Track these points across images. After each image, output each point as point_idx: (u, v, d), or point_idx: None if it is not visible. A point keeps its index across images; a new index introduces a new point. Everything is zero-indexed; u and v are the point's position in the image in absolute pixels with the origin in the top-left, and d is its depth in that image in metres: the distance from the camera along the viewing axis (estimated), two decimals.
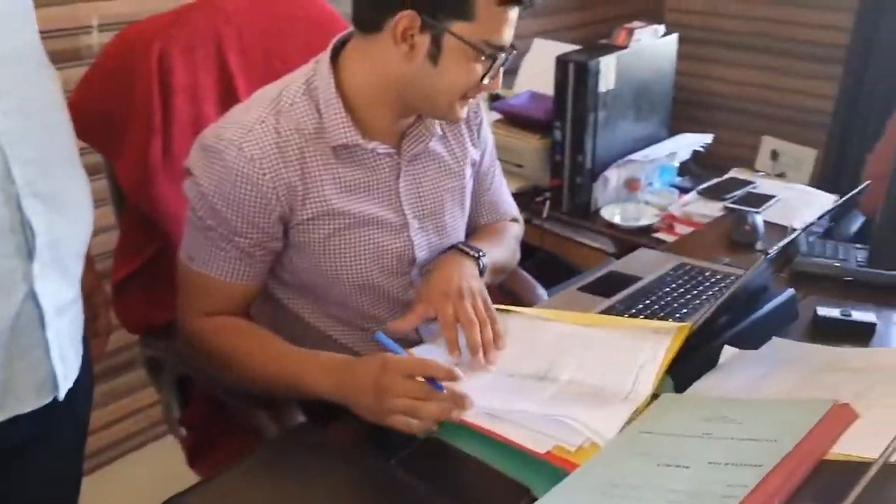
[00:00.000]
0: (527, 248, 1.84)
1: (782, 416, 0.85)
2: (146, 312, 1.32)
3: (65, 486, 1.05)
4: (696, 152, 1.93)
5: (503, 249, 1.31)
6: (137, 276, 1.32)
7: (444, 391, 0.94)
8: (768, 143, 2.65)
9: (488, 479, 0.89)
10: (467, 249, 1.21)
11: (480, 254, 1.21)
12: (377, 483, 0.89)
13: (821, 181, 2.46)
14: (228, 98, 1.36)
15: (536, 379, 1.00)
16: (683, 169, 1.99)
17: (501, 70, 1.09)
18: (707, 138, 1.81)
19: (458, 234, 1.28)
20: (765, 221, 1.52)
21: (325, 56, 1.12)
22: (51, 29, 1.63)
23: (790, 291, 1.21)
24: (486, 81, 1.08)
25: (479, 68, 1.06)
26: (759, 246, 1.46)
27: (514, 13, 1.05)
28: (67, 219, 0.84)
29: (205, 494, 0.88)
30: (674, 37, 1.84)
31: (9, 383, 0.83)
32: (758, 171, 2.21)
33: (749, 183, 1.77)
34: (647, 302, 1.21)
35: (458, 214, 1.26)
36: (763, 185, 1.76)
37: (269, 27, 1.41)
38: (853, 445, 0.79)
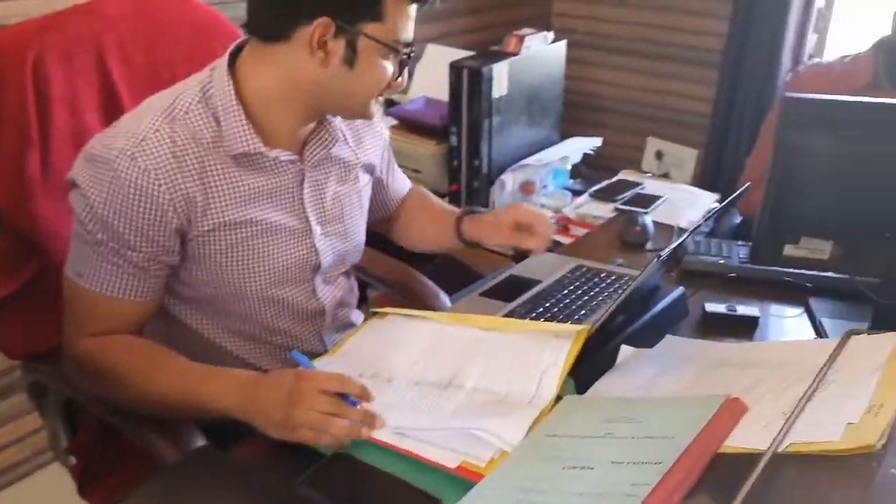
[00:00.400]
0: (426, 254, 1.84)
1: (678, 413, 0.89)
2: (27, 336, 1.24)
3: None
4: (586, 155, 1.99)
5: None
6: (17, 298, 1.23)
7: (358, 407, 0.93)
8: (653, 143, 2.77)
9: (399, 494, 0.89)
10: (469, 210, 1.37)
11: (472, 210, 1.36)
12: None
13: (702, 180, 2.60)
14: (112, 108, 1.30)
15: (441, 387, 1.00)
16: (575, 171, 2.05)
17: (406, 69, 1.11)
18: (597, 141, 1.87)
19: (360, 238, 1.28)
20: (653, 221, 1.58)
21: (221, 63, 1.09)
22: None
23: (680, 289, 1.27)
24: (394, 82, 1.09)
25: (391, 67, 1.07)
26: (649, 246, 1.52)
27: (414, 9, 1.07)
28: None
29: None
30: (562, 43, 1.89)
31: None
32: (644, 172, 2.30)
33: (638, 184, 1.85)
34: (547, 305, 1.23)
35: (359, 218, 1.26)
36: (650, 185, 1.84)
37: (153, 34, 1.36)
38: (744, 438, 0.84)
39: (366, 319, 1.20)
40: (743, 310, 1.28)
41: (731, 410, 0.88)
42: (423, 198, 1.47)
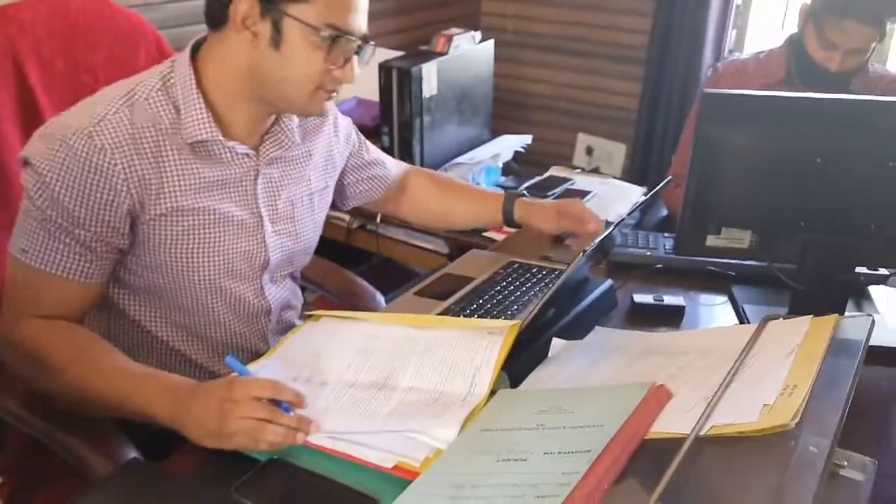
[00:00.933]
0: (361, 254, 1.85)
1: (607, 401, 0.92)
2: None
3: None
4: (517, 152, 2.02)
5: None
6: None
7: (292, 413, 0.93)
8: (583, 139, 2.82)
9: (336, 495, 0.88)
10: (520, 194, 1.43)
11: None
12: None
13: (630, 174, 2.66)
14: (30, 114, 1.28)
15: (376, 388, 1.01)
16: (507, 169, 2.08)
17: (355, 60, 1.07)
18: (527, 139, 1.90)
19: (310, 242, 1.28)
20: None
21: (183, 55, 1.09)
22: None
23: (609, 282, 1.30)
24: (336, 73, 1.06)
25: (324, 55, 1.04)
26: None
27: None
28: None
29: None
30: (490, 42, 1.91)
31: None
32: (575, 167, 2.35)
33: (567, 180, 1.88)
34: (481, 301, 1.25)
35: (310, 222, 1.26)
36: (580, 181, 1.88)
37: (72, 39, 1.34)
38: (669, 423, 0.87)
39: (299, 326, 1.18)
40: (669, 299, 1.32)
41: (657, 397, 0.91)
42: (434, 176, 1.51)
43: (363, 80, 1.87)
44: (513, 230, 1.51)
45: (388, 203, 1.48)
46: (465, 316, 1.22)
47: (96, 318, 1.17)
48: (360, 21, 1.06)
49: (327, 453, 0.92)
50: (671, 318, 1.30)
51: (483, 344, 1.02)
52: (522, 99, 2.87)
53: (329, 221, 1.76)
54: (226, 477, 0.90)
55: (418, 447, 0.90)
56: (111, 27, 1.39)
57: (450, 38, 1.73)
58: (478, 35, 1.85)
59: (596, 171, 2.66)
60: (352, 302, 1.43)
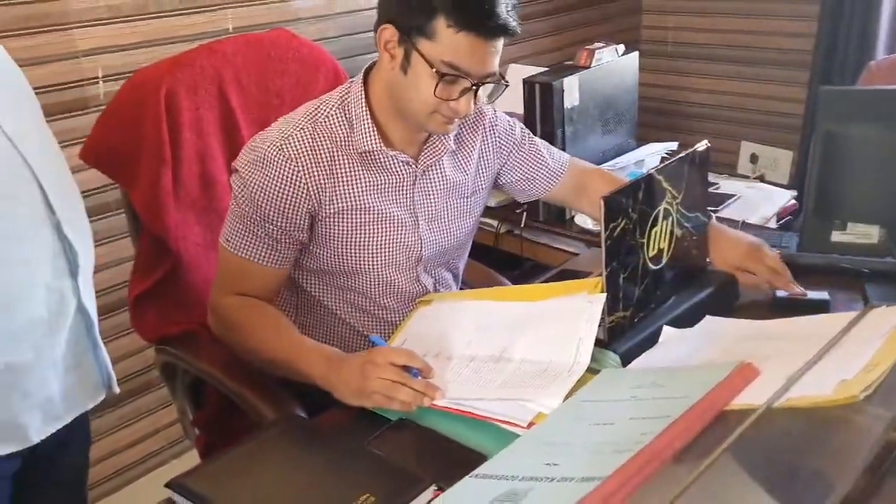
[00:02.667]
0: (515, 260, 1.98)
1: (696, 377, 0.99)
2: (159, 324, 1.48)
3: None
4: (664, 158, 2.06)
5: None
6: (151, 292, 1.48)
7: (419, 378, 1.09)
8: (747, 147, 2.78)
9: (451, 450, 1.03)
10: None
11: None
12: (353, 458, 1.01)
13: (798, 180, 2.59)
14: (231, 131, 1.53)
15: (494, 361, 1.14)
16: None
17: (472, 95, 1.19)
18: (672, 145, 1.95)
19: (462, 239, 1.44)
20: (718, 218, 1.65)
21: (358, 77, 1.30)
22: (59, 82, 1.82)
23: (729, 275, 1.35)
24: (451, 103, 1.19)
25: (440, 86, 1.17)
26: None
27: (482, 42, 1.14)
28: (84, 239, 1.00)
29: (201, 475, 0.99)
30: (635, 54, 1.99)
31: (72, 391, 0.98)
32: (740, 175, 2.34)
33: (713, 184, 1.91)
34: None
35: (462, 221, 1.41)
36: (725, 185, 1.90)
37: (265, 68, 1.57)
38: (752, 396, 0.93)
39: (415, 309, 1.34)
40: (813, 294, 1.30)
41: (743, 373, 0.97)
42: (615, 180, 1.48)
43: (510, 96, 2.03)
44: None
45: (574, 202, 1.55)
46: None
47: (287, 294, 1.41)
48: (481, 63, 1.16)
49: (448, 414, 1.06)
50: (814, 312, 1.23)
51: (585, 316, 1.12)
52: (682, 108, 2.88)
53: (479, 227, 1.92)
54: (362, 432, 1.07)
55: (526, 412, 1.02)
56: (297, 57, 1.62)
57: (592, 52, 1.84)
58: (621, 48, 1.93)
59: (761, 178, 2.62)
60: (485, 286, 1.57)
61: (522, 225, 1.91)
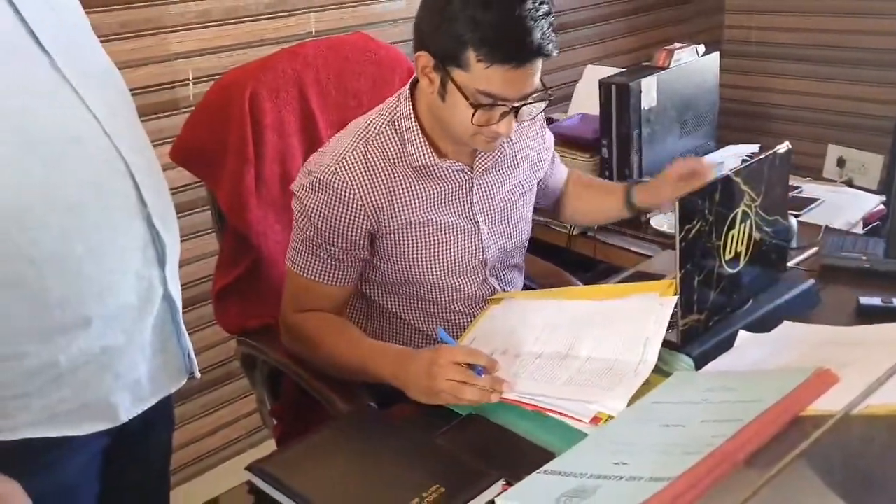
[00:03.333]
0: (588, 262, 1.98)
1: (771, 382, 0.97)
2: (241, 317, 1.54)
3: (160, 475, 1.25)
4: (744, 160, 2.01)
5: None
6: (234, 286, 1.54)
7: (483, 375, 1.10)
8: (834, 150, 2.69)
9: (519, 446, 1.05)
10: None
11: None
12: (423, 450, 1.04)
13: (888, 185, 2.48)
14: (310, 132, 1.57)
15: (560, 358, 1.15)
16: None
17: (512, 117, 1.19)
18: (753, 148, 1.90)
19: (524, 236, 1.46)
20: (800, 222, 1.61)
21: (405, 91, 1.32)
22: (153, 84, 1.91)
23: (811, 281, 1.32)
24: (493, 127, 1.19)
25: (478, 114, 1.17)
26: (792, 244, 1.55)
27: (516, 71, 1.13)
28: (172, 231, 1.06)
29: (279, 460, 1.05)
30: (715, 55, 1.95)
31: (157, 372, 1.04)
32: (825, 179, 2.27)
33: (796, 188, 1.86)
34: None
35: (522, 218, 1.44)
36: (807, 189, 1.85)
37: (343, 70, 1.62)
38: (829, 403, 0.91)
39: (485, 310, 1.36)
40: None
41: (821, 379, 0.94)
42: (580, 176, 1.62)
43: (587, 98, 2.02)
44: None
45: (556, 207, 1.61)
46: None
47: (357, 302, 1.44)
48: (516, 89, 1.16)
49: (512, 408, 1.08)
50: None
51: (653, 317, 1.12)
52: (765, 110, 2.80)
53: (552, 228, 1.93)
54: (433, 426, 1.10)
55: (589, 410, 1.04)
56: (374, 60, 1.65)
57: (671, 53, 1.81)
58: (701, 48, 1.90)
59: (848, 182, 2.53)
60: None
61: (596, 227, 1.90)
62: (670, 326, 1.22)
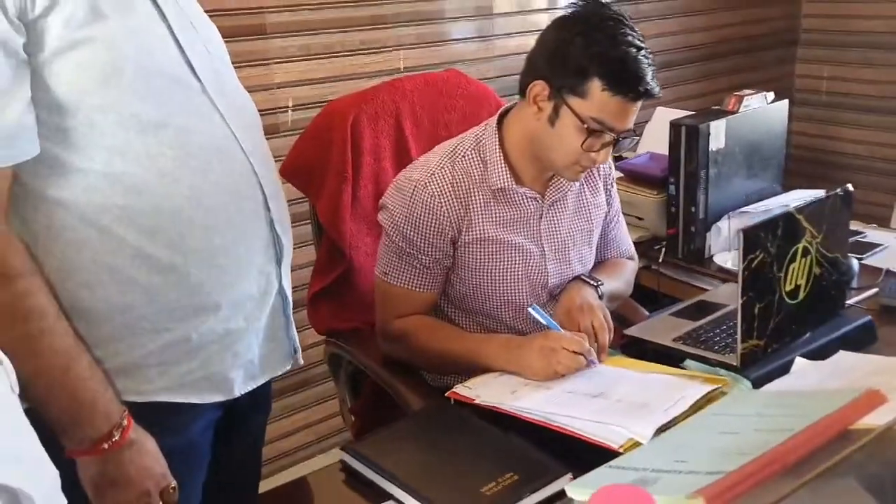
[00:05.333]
0: (650, 294, 2.06)
1: (823, 400, 1.06)
2: (331, 319, 1.69)
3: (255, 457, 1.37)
4: None
5: (619, 281, 1.59)
6: (327, 291, 1.69)
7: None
8: None
9: (583, 444, 1.11)
10: (587, 279, 1.50)
11: (599, 283, 1.49)
12: (498, 442, 1.15)
13: None
14: (402, 157, 1.72)
15: (590, 396, 1.21)
16: None
17: (610, 148, 1.35)
18: (819, 193, 1.96)
19: (585, 267, 1.56)
20: (862, 264, 1.68)
21: (493, 119, 1.47)
22: (258, 110, 2.11)
23: (867, 317, 1.39)
24: (592, 154, 1.34)
25: (586, 139, 1.32)
26: (853, 285, 1.62)
27: (629, 104, 1.30)
28: (287, 235, 1.21)
29: (369, 443, 1.17)
30: (784, 102, 2.03)
31: (267, 356, 1.18)
32: (892, 229, 2.30)
33: (860, 233, 1.93)
34: (731, 324, 1.39)
35: (586, 252, 1.55)
36: (872, 235, 1.91)
37: (437, 102, 1.77)
38: (878, 418, 0.99)
39: None
40: None
41: (869, 398, 1.02)
42: (616, 261, 1.64)
43: (657, 138, 2.13)
44: None
45: None
46: (712, 335, 1.38)
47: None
48: (624, 121, 1.32)
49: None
50: None
51: (695, 387, 1.19)
52: (834, 158, 2.85)
53: None
54: (506, 420, 1.19)
55: (619, 435, 1.09)
56: (465, 94, 1.80)
57: (741, 98, 1.91)
58: (770, 95, 1.99)
59: None
60: (624, 318, 1.66)
61: (661, 260, 1.99)
62: (730, 350, 1.32)
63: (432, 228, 1.41)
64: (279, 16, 2.10)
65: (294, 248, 1.96)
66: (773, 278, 1.28)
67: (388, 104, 1.71)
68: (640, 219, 2.09)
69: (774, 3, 3.09)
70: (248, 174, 1.12)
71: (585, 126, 1.32)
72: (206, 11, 1.17)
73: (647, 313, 1.68)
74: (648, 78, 1.30)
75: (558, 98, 1.33)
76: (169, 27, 1.07)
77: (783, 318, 1.31)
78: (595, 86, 1.29)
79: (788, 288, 1.31)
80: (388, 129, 1.71)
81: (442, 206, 1.40)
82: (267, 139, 2.11)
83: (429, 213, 1.40)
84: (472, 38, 2.49)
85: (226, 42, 1.98)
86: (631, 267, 1.67)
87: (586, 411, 1.16)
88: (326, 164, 1.66)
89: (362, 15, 2.25)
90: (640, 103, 1.33)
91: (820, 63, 2.85)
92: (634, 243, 2.05)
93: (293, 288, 1.97)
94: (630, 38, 1.30)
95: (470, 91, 1.81)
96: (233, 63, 2.07)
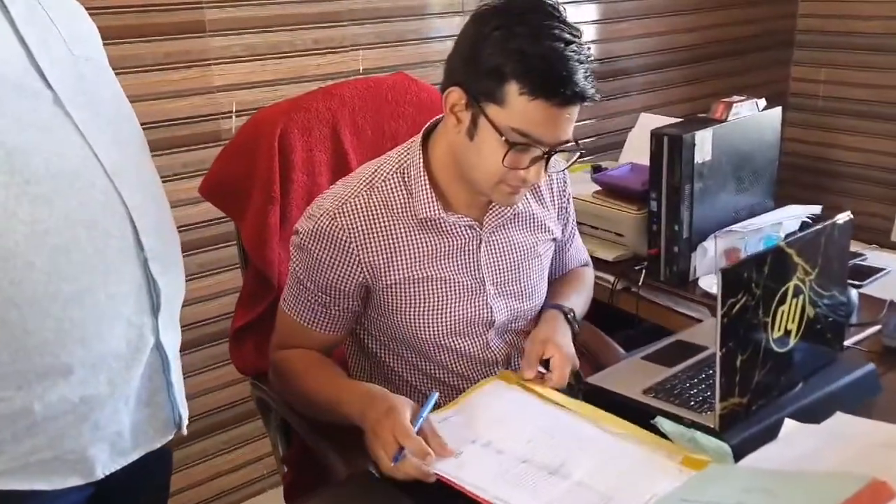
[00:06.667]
0: (628, 318, 1.86)
1: (816, 489, 0.86)
2: (257, 358, 1.48)
3: None
4: (805, 222, 1.88)
5: (583, 298, 1.44)
6: (252, 325, 1.49)
7: (400, 458, 1.01)
8: None
9: None
10: (566, 311, 1.31)
11: (572, 315, 1.32)
12: None
13: None
14: (341, 172, 1.50)
15: (548, 472, 1.01)
16: None
17: (542, 164, 1.13)
18: (815, 209, 1.77)
19: (538, 299, 1.36)
20: (861, 294, 1.47)
21: (417, 138, 1.26)
22: (196, 115, 1.91)
23: (870, 366, 1.19)
24: (521, 172, 1.12)
25: (510, 155, 1.10)
26: (852, 320, 1.42)
27: (556, 110, 1.07)
28: (174, 276, 1.00)
29: None
30: (777, 109, 1.83)
31: (141, 426, 0.98)
32: (893, 244, 2.11)
33: (860, 255, 1.72)
34: (711, 372, 1.20)
35: (537, 279, 1.35)
36: (872, 257, 1.71)
37: (381, 110, 1.57)
38: None
39: (491, 378, 1.24)
40: None
41: (874, 493, 0.82)
42: (576, 273, 1.49)
43: (639, 147, 1.92)
44: None
45: None
46: (690, 384, 1.19)
47: (358, 359, 1.38)
48: (554, 131, 1.10)
49: None
50: None
51: (671, 475, 0.98)
52: (830, 167, 2.66)
53: (595, 283, 1.82)
54: (432, 489, 1.00)
55: None
56: (414, 101, 1.60)
57: (729, 105, 1.71)
58: (762, 102, 1.79)
59: None
60: (594, 354, 1.47)
61: (640, 283, 1.79)
62: (707, 409, 1.11)
63: (338, 270, 1.21)
64: (220, 11, 1.91)
65: (219, 272, 1.74)
66: (759, 324, 1.08)
67: (323, 112, 1.50)
68: (619, 235, 1.90)
69: (768, 2, 2.92)
70: (113, 203, 0.92)
71: (504, 139, 1.10)
72: (138, 6, 0.96)
73: (618, 348, 1.47)
74: (578, 77, 1.06)
75: (475, 107, 1.12)
76: (10, 21, 0.86)
77: (770, 370, 1.11)
78: (512, 90, 1.07)
79: (777, 335, 1.11)
80: (324, 141, 1.51)
81: (352, 245, 1.20)
82: (207, 148, 1.94)
83: (336, 251, 1.20)
84: (440, 37, 2.28)
85: (160, 40, 1.77)
86: (589, 274, 1.53)
87: (540, 500, 0.97)
88: (251, 181, 1.46)
89: (312, 11, 2.05)
90: (573, 109, 1.09)
91: (817, 66, 2.65)
92: (613, 262, 1.89)
93: (218, 317, 1.76)
94: (557, 31, 1.07)
95: (421, 97, 1.61)
96: (166, 63, 1.86)
